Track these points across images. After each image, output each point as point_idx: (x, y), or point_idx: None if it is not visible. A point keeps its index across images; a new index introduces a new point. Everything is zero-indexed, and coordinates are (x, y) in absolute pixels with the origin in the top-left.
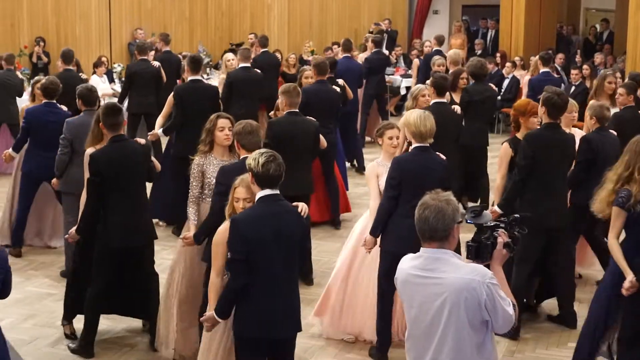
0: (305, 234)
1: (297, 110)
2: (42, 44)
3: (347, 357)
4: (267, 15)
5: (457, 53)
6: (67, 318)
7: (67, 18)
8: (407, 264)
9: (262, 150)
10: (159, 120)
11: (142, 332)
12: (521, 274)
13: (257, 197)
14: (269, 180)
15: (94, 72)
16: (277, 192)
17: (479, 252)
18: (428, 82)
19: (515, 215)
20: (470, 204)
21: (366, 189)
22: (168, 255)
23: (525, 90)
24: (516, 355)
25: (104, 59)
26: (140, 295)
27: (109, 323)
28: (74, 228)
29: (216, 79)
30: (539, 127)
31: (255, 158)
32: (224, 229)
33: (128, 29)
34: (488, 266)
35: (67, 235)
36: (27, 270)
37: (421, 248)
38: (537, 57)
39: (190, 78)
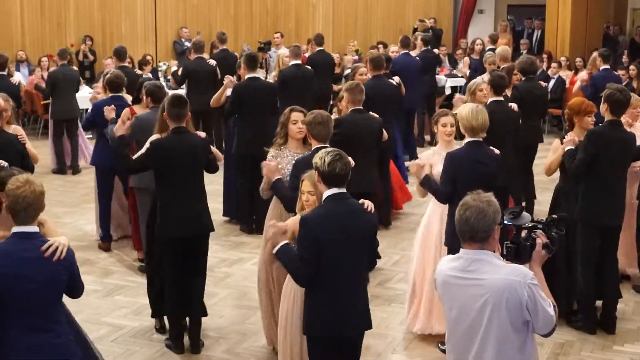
0: (374, 231)
1: (361, 107)
2: (88, 42)
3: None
4: (311, 14)
5: (505, 49)
6: (153, 314)
7: (113, 16)
8: (446, 265)
9: (329, 149)
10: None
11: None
12: (589, 275)
13: (324, 196)
14: (336, 179)
15: (141, 70)
16: (344, 190)
17: (519, 253)
18: (484, 78)
19: (553, 216)
20: None
21: None
22: (222, 254)
23: (575, 87)
24: (560, 357)
25: (149, 57)
26: (188, 293)
27: None
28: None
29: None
30: (592, 125)
31: (321, 157)
32: (292, 220)
33: (173, 28)
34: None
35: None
36: None
37: (461, 249)
38: (596, 53)
39: (248, 75)
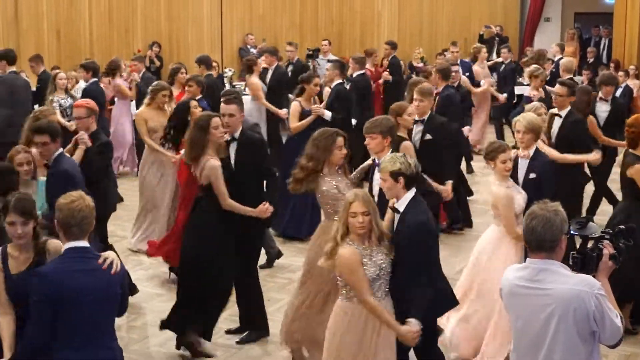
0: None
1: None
2: (156, 48)
3: None
4: (377, 23)
5: (571, 61)
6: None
7: (180, 23)
8: (513, 274)
9: (398, 154)
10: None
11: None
12: None
13: (408, 198)
14: (418, 179)
15: None
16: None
17: (585, 264)
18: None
19: (621, 226)
20: None
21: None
22: (284, 260)
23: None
24: None
25: (214, 64)
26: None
27: None
28: None
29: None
30: None
31: (402, 162)
32: (348, 254)
33: (239, 35)
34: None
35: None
36: (137, 270)
37: (527, 259)
38: None
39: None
